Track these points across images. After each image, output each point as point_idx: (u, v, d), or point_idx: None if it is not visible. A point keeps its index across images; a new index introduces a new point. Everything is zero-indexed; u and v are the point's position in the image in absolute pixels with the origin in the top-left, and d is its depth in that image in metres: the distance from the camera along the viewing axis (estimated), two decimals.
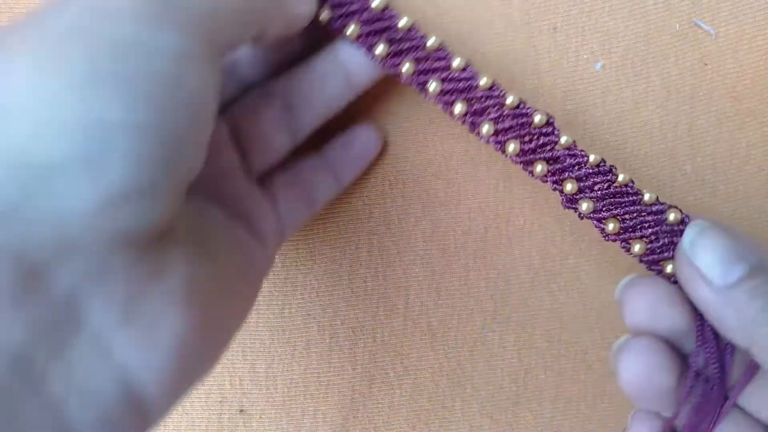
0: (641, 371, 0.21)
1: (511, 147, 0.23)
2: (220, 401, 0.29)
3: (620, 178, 0.23)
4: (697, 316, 0.21)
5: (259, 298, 0.28)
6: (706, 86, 0.28)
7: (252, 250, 0.23)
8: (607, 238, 0.23)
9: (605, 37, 0.28)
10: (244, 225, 0.23)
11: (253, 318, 0.29)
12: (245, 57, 0.25)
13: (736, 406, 0.22)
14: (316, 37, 0.26)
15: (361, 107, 0.28)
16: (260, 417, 0.29)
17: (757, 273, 0.19)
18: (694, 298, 0.20)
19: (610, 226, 0.22)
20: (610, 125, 0.28)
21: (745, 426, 0.21)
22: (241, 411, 0.29)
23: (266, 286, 0.29)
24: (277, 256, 0.28)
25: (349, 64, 0.25)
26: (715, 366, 0.21)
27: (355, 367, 0.29)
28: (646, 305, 0.21)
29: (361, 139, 0.27)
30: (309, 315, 0.29)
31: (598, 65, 0.28)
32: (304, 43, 0.26)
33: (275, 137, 0.24)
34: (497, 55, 0.28)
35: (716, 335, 0.21)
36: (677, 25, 0.28)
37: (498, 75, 0.28)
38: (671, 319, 0.21)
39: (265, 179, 0.25)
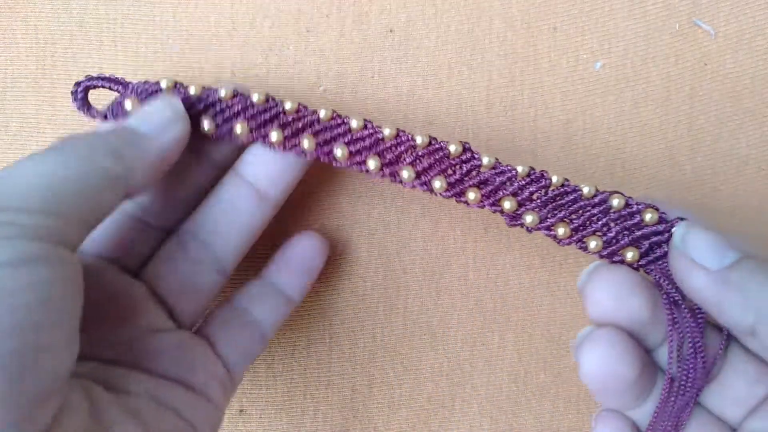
0: (603, 363, 0.20)
1: (437, 184, 0.23)
2: None
3: (554, 180, 0.22)
4: (667, 306, 0.21)
5: None
6: (706, 86, 0.28)
7: (192, 413, 0.21)
8: (561, 243, 0.22)
9: (605, 37, 0.28)
10: (179, 386, 0.22)
11: None
12: (150, 206, 0.24)
13: (699, 405, 0.22)
14: (225, 157, 0.25)
15: (358, 104, 0.28)
16: (260, 417, 0.29)
17: (750, 257, 0.20)
18: (690, 288, 0.20)
19: (561, 231, 0.22)
20: (609, 125, 0.28)
21: (710, 427, 0.21)
22: (241, 411, 0.29)
23: None
24: None
25: (257, 182, 0.24)
26: (690, 352, 0.21)
27: (355, 367, 0.29)
28: (609, 294, 0.21)
29: (301, 251, 0.26)
30: (309, 315, 0.29)
31: (598, 65, 0.28)
32: (214, 169, 0.25)
33: (200, 280, 0.24)
34: (497, 55, 0.28)
35: (696, 320, 0.21)
36: (677, 25, 0.28)
37: (497, 76, 0.28)
38: (634, 307, 0.21)
39: (202, 325, 0.24)
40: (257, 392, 0.29)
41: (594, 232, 0.22)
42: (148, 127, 0.21)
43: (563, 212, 0.22)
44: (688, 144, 0.28)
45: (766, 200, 0.28)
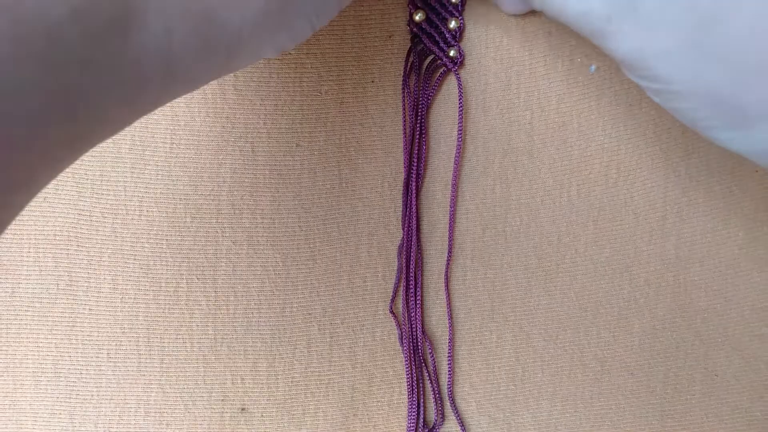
0: None
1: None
2: (222, 400, 0.29)
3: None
4: None
5: (261, 298, 0.29)
6: None
7: None
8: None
9: None
10: None
11: (254, 317, 0.29)
12: None
13: None
14: None
15: (359, 107, 0.28)
16: (261, 415, 0.29)
17: None
18: None
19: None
20: (605, 127, 0.28)
21: None
22: (243, 410, 0.29)
23: (267, 286, 0.29)
24: (278, 256, 0.29)
25: None
26: None
27: (355, 365, 0.29)
28: None
29: None
30: (310, 314, 0.29)
31: (593, 68, 0.28)
32: None
33: None
34: (493, 59, 0.28)
35: None
36: None
37: (494, 79, 0.28)
38: None
39: None
40: (259, 391, 0.29)
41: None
42: None
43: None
44: (683, 146, 0.28)
45: (760, 201, 0.29)
